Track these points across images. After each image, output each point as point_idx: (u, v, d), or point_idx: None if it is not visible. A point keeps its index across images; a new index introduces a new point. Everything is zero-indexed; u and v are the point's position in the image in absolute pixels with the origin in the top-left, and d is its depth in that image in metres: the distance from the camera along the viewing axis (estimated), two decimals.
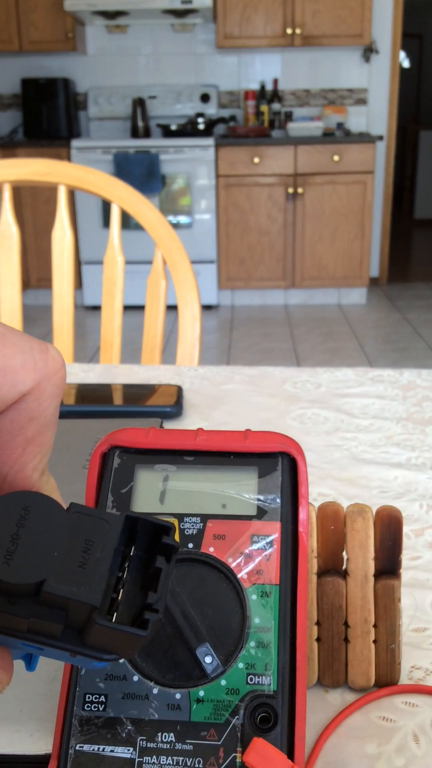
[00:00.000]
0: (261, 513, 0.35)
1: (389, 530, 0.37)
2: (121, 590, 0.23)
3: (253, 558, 0.34)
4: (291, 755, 0.31)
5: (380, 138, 4.35)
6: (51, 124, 4.58)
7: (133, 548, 0.23)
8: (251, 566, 0.34)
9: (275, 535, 0.34)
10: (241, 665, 0.32)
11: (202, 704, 0.32)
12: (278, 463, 0.35)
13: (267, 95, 4.68)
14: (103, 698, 0.33)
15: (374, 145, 4.30)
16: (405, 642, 0.42)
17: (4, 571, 0.21)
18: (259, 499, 0.35)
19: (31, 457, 0.24)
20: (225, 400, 0.77)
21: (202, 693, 0.32)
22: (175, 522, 0.35)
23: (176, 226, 4.33)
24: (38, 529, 0.22)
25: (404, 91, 6.45)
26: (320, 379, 0.82)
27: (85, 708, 0.33)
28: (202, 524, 0.35)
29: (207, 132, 4.51)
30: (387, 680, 0.39)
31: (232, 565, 0.34)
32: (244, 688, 0.32)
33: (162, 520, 0.23)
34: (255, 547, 0.34)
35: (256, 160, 4.30)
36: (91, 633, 0.21)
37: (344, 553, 0.38)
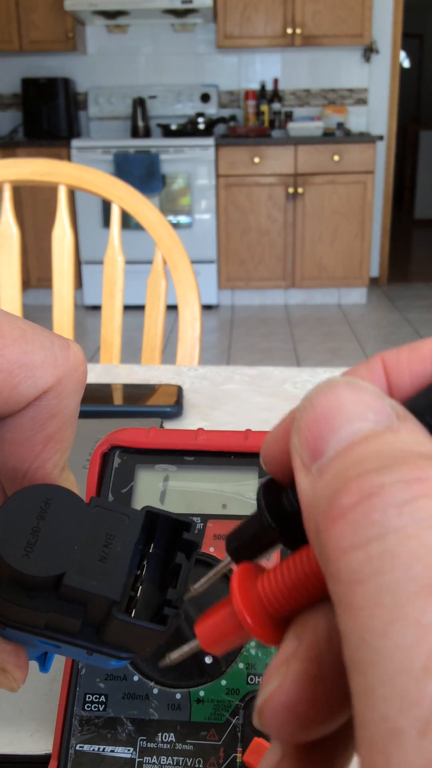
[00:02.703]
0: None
1: None
2: (140, 587, 0.23)
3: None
4: None
5: (380, 138, 4.35)
6: (51, 124, 4.57)
7: (152, 545, 0.23)
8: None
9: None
10: (241, 665, 0.32)
11: (203, 704, 0.32)
12: None
13: (267, 95, 4.68)
14: (103, 698, 0.33)
15: (374, 145, 4.30)
16: None
17: (24, 563, 0.20)
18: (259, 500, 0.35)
19: (51, 453, 0.23)
20: (225, 400, 0.77)
21: (202, 693, 0.32)
22: None
23: (176, 226, 4.33)
24: (59, 522, 0.22)
25: (404, 91, 6.45)
26: (320, 379, 0.81)
27: (86, 708, 0.33)
28: (202, 524, 0.35)
29: (207, 132, 4.51)
30: None
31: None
32: (244, 688, 0.32)
33: (182, 517, 0.23)
34: None
35: (257, 160, 4.30)
36: (110, 629, 0.21)
37: None
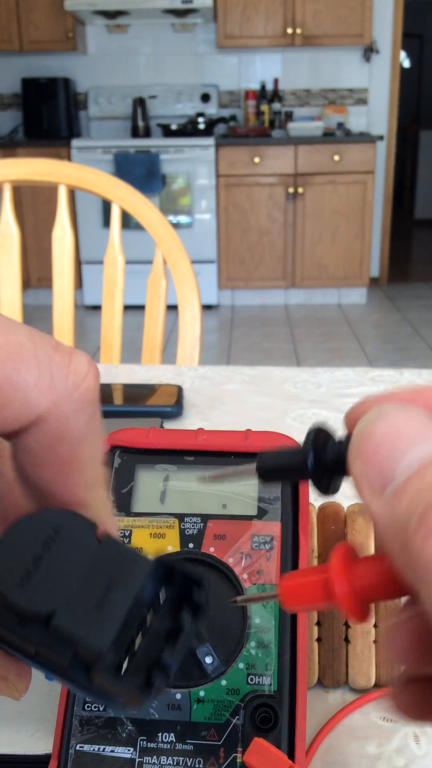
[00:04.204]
0: (261, 513, 0.35)
1: None
2: (137, 641, 0.21)
3: (254, 558, 0.34)
4: (291, 755, 0.31)
5: (380, 138, 4.35)
6: (51, 124, 4.57)
7: (160, 595, 0.22)
8: (252, 566, 0.34)
9: (275, 535, 0.34)
10: (241, 665, 0.32)
11: (203, 704, 0.32)
12: None
13: (267, 95, 4.68)
14: None
15: (374, 145, 4.30)
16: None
17: (17, 593, 0.20)
18: (259, 499, 0.35)
19: (70, 476, 0.22)
20: (225, 400, 0.77)
21: (202, 693, 0.32)
22: (176, 522, 0.35)
23: (176, 225, 4.33)
24: (63, 555, 0.20)
25: (404, 91, 6.45)
26: (320, 379, 0.82)
27: (86, 708, 0.33)
28: (202, 524, 0.35)
29: (207, 132, 4.51)
30: (387, 680, 0.39)
31: (233, 565, 0.34)
32: (244, 689, 0.32)
33: (195, 571, 0.22)
34: (255, 547, 0.34)
35: (257, 159, 4.30)
36: (95, 679, 0.20)
37: None
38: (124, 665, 0.21)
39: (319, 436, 0.21)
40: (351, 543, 0.21)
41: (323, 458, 0.20)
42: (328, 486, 0.20)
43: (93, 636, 0.19)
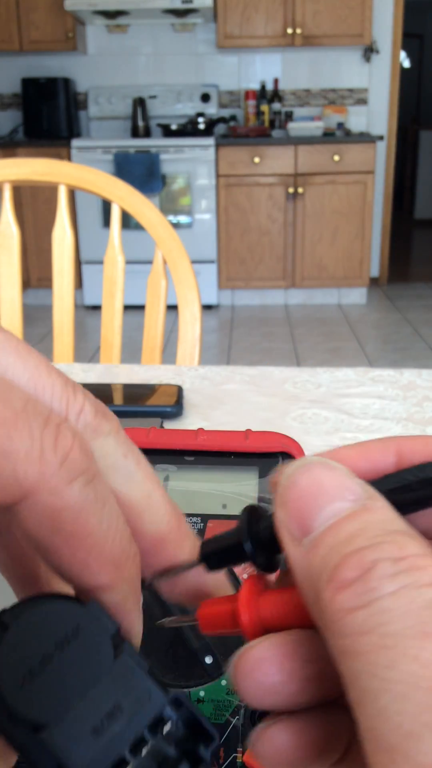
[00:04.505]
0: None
1: None
2: (133, 764, 0.19)
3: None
4: None
5: (380, 138, 4.35)
6: (51, 124, 4.58)
7: (163, 730, 0.20)
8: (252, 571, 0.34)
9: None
10: None
11: (203, 704, 0.32)
12: (278, 463, 0.35)
13: (267, 95, 4.68)
14: None
15: (374, 145, 4.30)
16: None
17: (15, 693, 0.18)
18: (259, 499, 0.35)
19: (84, 551, 0.20)
20: (225, 400, 0.77)
21: (202, 693, 0.32)
22: None
23: (176, 225, 4.33)
24: (74, 662, 0.18)
25: (404, 91, 6.45)
26: (320, 379, 0.82)
27: None
28: (202, 524, 0.35)
29: (207, 132, 4.51)
30: None
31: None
32: None
33: (209, 725, 0.20)
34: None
35: (257, 159, 4.30)
36: None
37: None
38: None
39: (252, 515, 0.21)
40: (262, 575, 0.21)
41: (259, 537, 0.21)
42: (269, 564, 0.21)
43: (80, 761, 0.18)
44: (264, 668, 0.19)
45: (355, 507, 0.18)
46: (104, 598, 0.20)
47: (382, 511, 0.18)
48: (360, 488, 0.18)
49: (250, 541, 0.20)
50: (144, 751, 0.19)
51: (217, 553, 0.21)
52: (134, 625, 0.22)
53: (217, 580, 0.23)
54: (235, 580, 0.34)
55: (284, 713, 0.20)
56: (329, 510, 0.18)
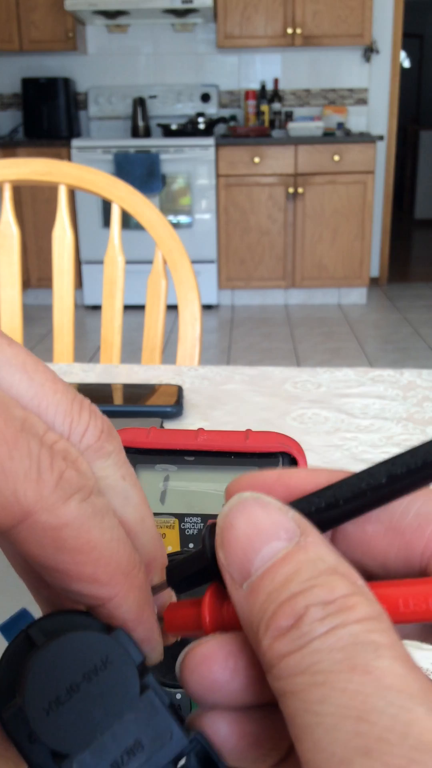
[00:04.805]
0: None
1: None
2: None
3: None
4: None
5: (380, 138, 4.35)
6: (51, 124, 4.58)
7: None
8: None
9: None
10: None
11: None
12: (279, 463, 0.35)
13: (267, 95, 4.68)
14: None
15: (374, 145, 4.30)
16: (405, 643, 0.42)
17: (40, 719, 0.18)
18: None
19: (91, 565, 0.20)
20: (225, 400, 0.77)
21: None
22: (176, 522, 0.35)
23: (176, 225, 4.33)
24: (100, 695, 0.19)
25: (404, 91, 6.45)
26: (320, 379, 0.82)
27: None
28: (202, 524, 0.35)
29: (207, 132, 4.51)
30: None
31: None
32: None
33: (224, 765, 0.20)
34: None
35: (257, 159, 4.30)
36: None
37: None
38: None
39: (214, 532, 0.21)
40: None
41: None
42: None
43: None
44: (209, 664, 0.20)
45: (289, 546, 0.19)
46: (119, 611, 0.21)
47: (314, 547, 0.19)
48: (292, 524, 0.19)
49: (214, 559, 0.20)
50: None
51: (184, 578, 0.22)
52: (153, 634, 0.22)
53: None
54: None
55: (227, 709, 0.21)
56: (265, 552, 0.19)
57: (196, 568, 0.21)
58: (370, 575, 0.21)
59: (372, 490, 0.20)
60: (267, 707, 0.20)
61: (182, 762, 0.20)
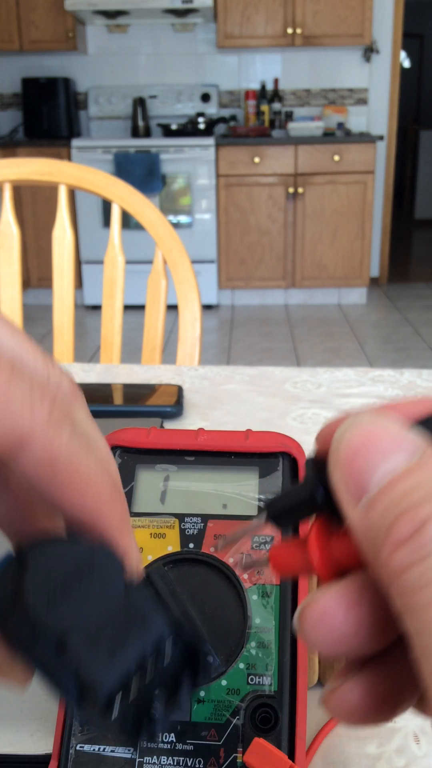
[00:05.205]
0: (262, 513, 0.35)
1: None
2: (135, 684, 0.21)
3: (254, 558, 0.34)
4: (291, 755, 0.31)
5: (381, 138, 4.35)
6: (51, 124, 4.58)
7: (170, 652, 0.22)
8: (252, 567, 0.34)
9: (276, 535, 0.34)
10: (241, 665, 0.32)
11: (203, 704, 0.32)
12: (279, 463, 0.35)
13: (267, 95, 4.68)
14: None
15: (375, 145, 4.30)
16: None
17: (40, 607, 0.20)
18: (259, 499, 0.35)
19: (80, 492, 0.22)
20: (225, 400, 0.77)
21: (202, 693, 0.32)
22: (176, 522, 0.35)
23: (176, 225, 4.33)
24: (92, 589, 0.21)
25: (405, 91, 6.45)
26: (320, 379, 0.82)
27: None
28: (202, 524, 0.35)
29: (207, 132, 4.51)
30: None
31: (233, 565, 0.34)
32: (244, 689, 0.32)
33: (207, 646, 0.22)
34: (255, 547, 0.34)
35: (257, 159, 4.30)
36: (87, 710, 0.21)
37: None
38: (116, 707, 0.21)
39: (318, 464, 0.20)
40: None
41: (328, 485, 0.20)
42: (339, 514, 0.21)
43: (96, 670, 0.20)
44: (330, 620, 0.19)
45: (411, 461, 0.18)
46: (102, 533, 0.23)
47: None
48: (416, 440, 0.18)
49: (323, 489, 0.20)
50: (149, 666, 0.21)
51: (287, 510, 0.21)
52: (133, 554, 0.24)
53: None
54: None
55: (356, 664, 0.20)
56: (384, 468, 0.18)
57: (299, 501, 0.21)
58: None
59: None
60: (394, 657, 0.20)
61: (168, 646, 0.22)
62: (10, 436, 0.21)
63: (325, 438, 0.21)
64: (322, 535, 0.20)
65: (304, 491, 0.20)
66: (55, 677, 0.21)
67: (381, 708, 0.20)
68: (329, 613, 0.19)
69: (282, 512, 0.21)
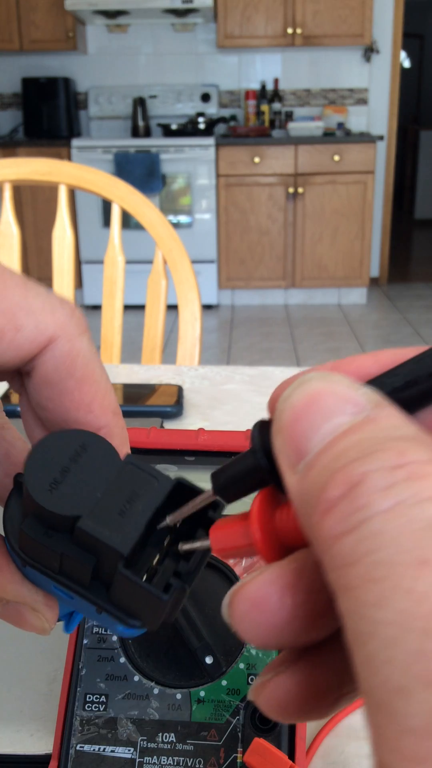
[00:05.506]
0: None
1: None
2: (158, 558, 0.22)
3: (254, 557, 0.34)
4: (291, 755, 0.31)
5: (381, 138, 4.35)
6: (51, 124, 4.57)
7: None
8: (252, 566, 0.34)
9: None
10: (241, 665, 0.32)
11: (203, 704, 0.32)
12: None
13: (267, 95, 4.68)
14: (103, 698, 0.33)
15: (375, 145, 4.30)
16: None
17: (46, 498, 0.21)
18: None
19: (91, 395, 0.24)
20: (225, 399, 0.77)
21: (202, 693, 0.32)
22: None
23: (176, 225, 4.33)
24: (89, 468, 0.22)
25: (405, 91, 6.45)
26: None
27: (86, 708, 0.33)
28: None
29: (207, 131, 4.51)
30: None
31: (233, 565, 0.34)
32: (244, 689, 0.32)
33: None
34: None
35: (257, 159, 4.30)
36: (116, 587, 0.21)
37: None
38: (145, 576, 0.21)
39: (264, 429, 0.18)
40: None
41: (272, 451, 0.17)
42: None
43: (115, 538, 0.20)
44: (261, 608, 0.16)
45: (356, 419, 0.15)
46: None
47: (388, 419, 0.15)
48: (363, 398, 0.16)
49: (266, 457, 0.17)
50: (170, 535, 0.22)
51: (233, 481, 0.19)
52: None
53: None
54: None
55: (292, 655, 0.18)
56: (326, 428, 0.15)
57: (244, 469, 0.18)
58: None
59: None
60: (334, 646, 0.17)
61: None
62: (38, 335, 0.23)
63: (275, 401, 0.18)
64: (265, 510, 0.18)
65: (249, 460, 0.18)
66: (76, 580, 0.21)
67: (319, 703, 0.17)
68: (260, 600, 0.16)
69: (228, 483, 0.19)
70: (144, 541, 0.21)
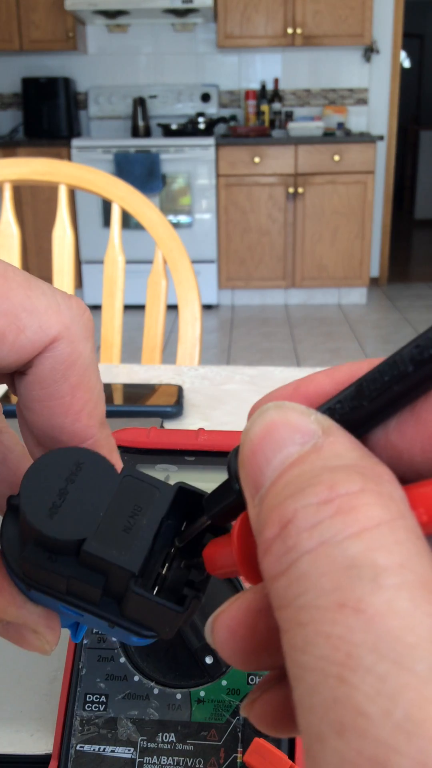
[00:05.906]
0: None
1: None
2: (167, 565, 0.22)
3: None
4: (291, 755, 0.31)
5: (381, 138, 4.35)
6: (51, 124, 4.57)
7: (184, 523, 0.22)
8: None
9: None
10: None
11: (203, 704, 0.32)
12: None
13: (267, 95, 4.68)
14: (103, 698, 0.33)
15: (375, 145, 4.30)
16: None
17: (48, 525, 0.20)
18: None
19: (82, 403, 0.23)
20: (225, 400, 0.77)
21: (202, 693, 0.32)
22: None
23: (176, 225, 4.33)
24: (87, 487, 0.21)
25: (405, 91, 6.45)
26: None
27: (86, 708, 0.33)
28: None
29: (207, 131, 4.51)
30: None
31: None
32: (245, 689, 0.32)
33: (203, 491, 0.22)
34: None
35: (257, 159, 4.30)
36: (129, 603, 0.20)
37: None
38: (156, 588, 0.21)
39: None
40: None
41: None
42: None
43: (124, 557, 0.20)
44: (239, 633, 0.16)
45: (303, 449, 0.15)
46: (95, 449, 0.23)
47: (332, 446, 0.15)
48: (314, 425, 0.16)
49: (238, 483, 0.18)
50: (168, 533, 0.22)
51: (218, 507, 0.20)
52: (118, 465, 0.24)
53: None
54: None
55: (277, 673, 0.18)
56: (277, 460, 0.15)
57: (227, 495, 0.19)
58: None
59: (397, 381, 0.16)
60: None
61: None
62: (41, 337, 0.22)
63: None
64: (246, 532, 0.18)
65: (227, 486, 0.19)
66: (85, 599, 0.21)
67: None
68: (235, 627, 0.17)
69: (214, 509, 0.20)
70: (151, 553, 0.21)
